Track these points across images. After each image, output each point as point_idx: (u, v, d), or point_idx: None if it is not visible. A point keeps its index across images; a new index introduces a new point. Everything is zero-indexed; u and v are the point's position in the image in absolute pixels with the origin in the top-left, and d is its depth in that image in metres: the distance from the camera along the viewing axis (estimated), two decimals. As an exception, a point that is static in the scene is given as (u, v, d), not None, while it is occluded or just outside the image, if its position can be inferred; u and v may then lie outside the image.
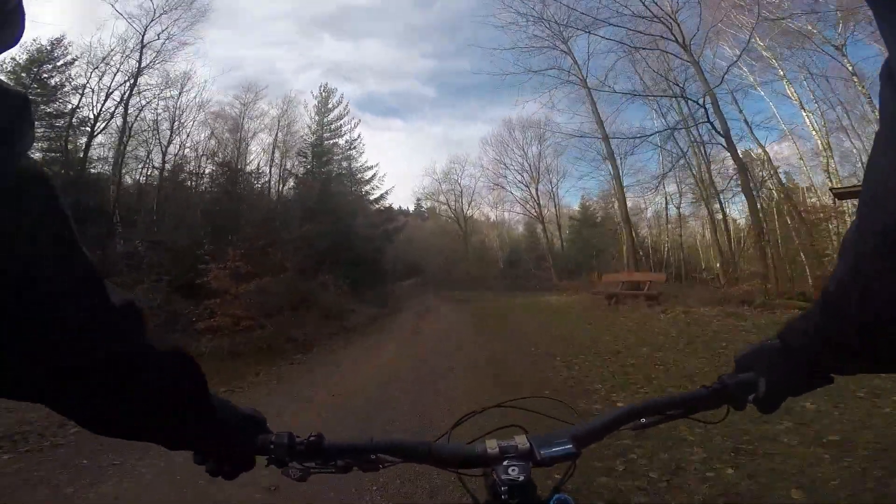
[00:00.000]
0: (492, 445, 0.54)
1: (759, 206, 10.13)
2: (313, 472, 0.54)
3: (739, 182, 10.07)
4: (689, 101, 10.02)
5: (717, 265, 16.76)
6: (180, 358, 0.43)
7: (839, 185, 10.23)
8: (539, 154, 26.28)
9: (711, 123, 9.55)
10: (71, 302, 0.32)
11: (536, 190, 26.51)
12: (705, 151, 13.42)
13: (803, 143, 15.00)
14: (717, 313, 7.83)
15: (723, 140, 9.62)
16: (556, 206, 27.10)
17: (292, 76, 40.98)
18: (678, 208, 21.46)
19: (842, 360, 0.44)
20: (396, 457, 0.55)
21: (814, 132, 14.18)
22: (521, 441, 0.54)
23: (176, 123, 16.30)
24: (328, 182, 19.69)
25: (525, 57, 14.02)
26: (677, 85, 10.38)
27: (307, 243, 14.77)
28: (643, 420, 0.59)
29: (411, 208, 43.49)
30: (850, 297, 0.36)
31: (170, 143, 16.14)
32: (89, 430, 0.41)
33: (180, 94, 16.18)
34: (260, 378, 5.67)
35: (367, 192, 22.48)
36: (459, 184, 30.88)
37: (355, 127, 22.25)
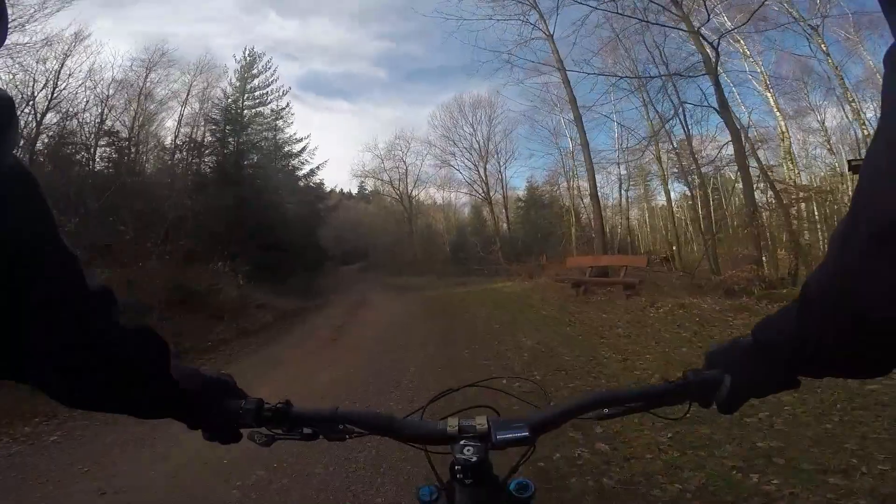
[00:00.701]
0: (452, 424, 0.53)
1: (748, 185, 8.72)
2: (279, 439, 0.54)
3: (734, 152, 8.58)
4: (702, 40, 8.15)
5: (674, 248, 15.94)
6: (146, 335, 0.44)
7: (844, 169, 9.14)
8: (489, 133, 24.48)
9: (717, 77, 7.91)
10: (53, 289, 0.35)
11: (485, 169, 24.76)
12: (685, 118, 11.99)
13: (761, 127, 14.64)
14: (721, 307, 6.23)
15: (716, 105, 8.05)
16: (503, 187, 25.64)
17: (230, 53, 35.22)
18: (626, 192, 21.28)
19: (817, 361, 0.41)
20: (362, 428, 0.55)
21: (777, 114, 13.63)
22: (480, 422, 0.53)
23: (56, 90, 12.45)
24: (240, 152, 16.13)
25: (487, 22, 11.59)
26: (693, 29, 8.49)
27: (203, 221, 11.57)
28: (605, 411, 0.55)
29: (354, 191, 40.23)
30: (838, 295, 0.34)
31: (47, 111, 12.13)
32: (58, 401, 0.42)
33: (65, 58, 12.31)
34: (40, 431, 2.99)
35: (295, 168, 19.13)
36: (404, 161, 28.09)
37: (284, 95, 18.69)
